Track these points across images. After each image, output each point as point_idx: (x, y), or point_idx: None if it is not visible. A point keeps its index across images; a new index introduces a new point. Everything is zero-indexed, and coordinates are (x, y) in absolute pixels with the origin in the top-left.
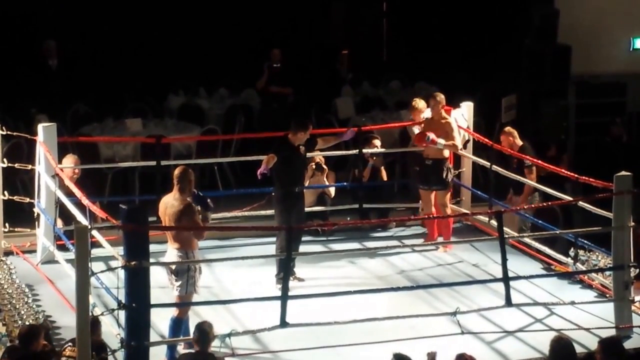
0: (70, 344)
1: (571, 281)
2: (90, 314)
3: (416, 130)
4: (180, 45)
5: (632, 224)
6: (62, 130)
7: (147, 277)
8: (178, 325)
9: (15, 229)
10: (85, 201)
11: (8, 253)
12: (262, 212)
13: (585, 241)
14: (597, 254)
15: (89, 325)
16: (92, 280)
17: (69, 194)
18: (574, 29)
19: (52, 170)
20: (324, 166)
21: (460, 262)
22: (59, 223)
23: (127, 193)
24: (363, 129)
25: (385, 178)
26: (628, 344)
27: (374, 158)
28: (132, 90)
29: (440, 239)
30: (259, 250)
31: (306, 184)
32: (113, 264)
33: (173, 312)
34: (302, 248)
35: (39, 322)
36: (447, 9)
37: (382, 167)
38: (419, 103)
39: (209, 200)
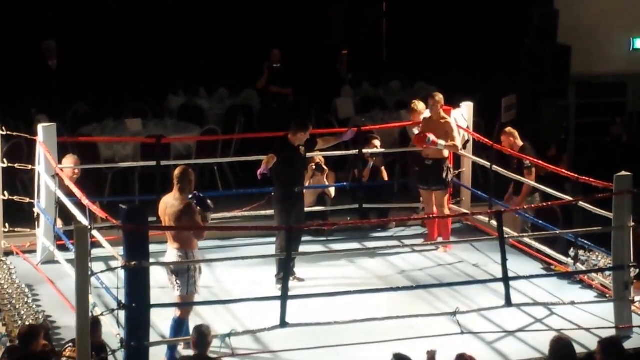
0: (70, 344)
1: (571, 281)
2: (91, 314)
3: (416, 131)
4: (180, 45)
5: (632, 224)
6: (62, 130)
7: (147, 277)
8: (180, 326)
9: (15, 229)
10: (85, 201)
11: (8, 253)
12: (262, 212)
13: (585, 241)
14: (597, 254)
15: (89, 325)
16: (92, 280)
17: (69, 194)
18: (574, 29)
19: (52, 170)
20: (324, 166)
21: (460, 262)
22: (59, 223)
23: (127, 193)
24: (363, 129)
25: (386, 178)
26: (628, 344)
27: (374, 158)
28: (132, 90)
29: (440, 239)
30: (259, 250)
31: (306, 184)
32: (113, 264)
33: (175, 312)
34: (302, 248)
35: (39, 322)
36: (447, 9)
37: (383, 167)
38: (419, 105)
39: (209, 201)
